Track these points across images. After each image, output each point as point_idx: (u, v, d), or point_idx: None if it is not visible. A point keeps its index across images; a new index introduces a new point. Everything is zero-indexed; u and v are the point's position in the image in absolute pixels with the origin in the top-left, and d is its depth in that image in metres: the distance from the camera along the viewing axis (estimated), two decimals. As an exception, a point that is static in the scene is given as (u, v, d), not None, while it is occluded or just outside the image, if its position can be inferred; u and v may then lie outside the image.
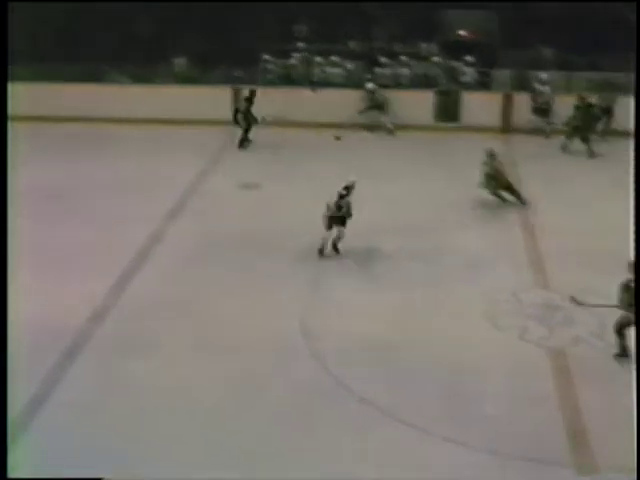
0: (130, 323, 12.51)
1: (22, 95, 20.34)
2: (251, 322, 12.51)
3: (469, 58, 22.92)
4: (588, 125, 20.22)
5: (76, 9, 23.18)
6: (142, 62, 23.52)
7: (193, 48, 23.89)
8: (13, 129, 20.69)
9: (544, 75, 22.03)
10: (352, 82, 22.81)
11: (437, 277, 13.90)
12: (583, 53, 22.49)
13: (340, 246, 14.80)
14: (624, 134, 19.88)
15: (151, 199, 17.23)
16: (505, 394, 10.85)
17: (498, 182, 17.05)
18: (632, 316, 10.93)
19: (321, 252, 14.63)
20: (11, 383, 10.27)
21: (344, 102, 21.87)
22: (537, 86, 21.84)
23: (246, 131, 20.95)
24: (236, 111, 21.25)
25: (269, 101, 21.26)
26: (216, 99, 22.24)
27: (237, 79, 23.00)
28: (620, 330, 11.38)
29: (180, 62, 23.84)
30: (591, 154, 19.98)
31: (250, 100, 20.97)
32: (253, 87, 21.47)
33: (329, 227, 14.57)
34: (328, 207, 14.52)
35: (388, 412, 10.41)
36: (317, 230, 14.77)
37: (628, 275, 11.02)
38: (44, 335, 11.87)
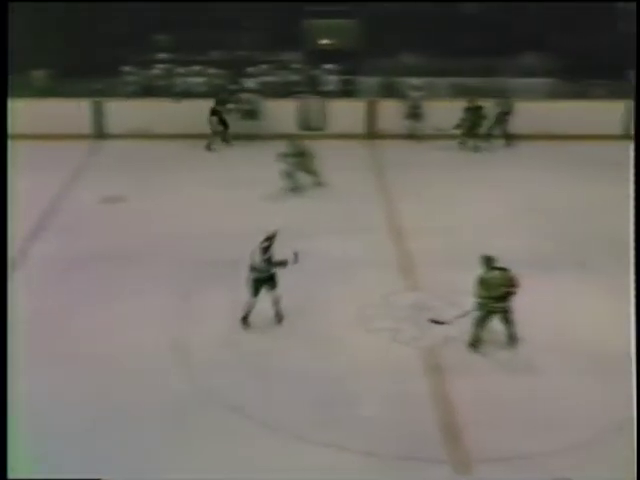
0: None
1: None
2: (118, 335, 12.24)
3: (331, 66, 23.09)
4: (476, 125, 21.14)
5: None
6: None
7: (52, 60, 23.29)
8: None
9: (415, 81, 22.41)
10: (215, 91, 22.65)
11: (307, 282, 13.86)
12: (446, 58, 23.06)
13: (207, 255, 14.66)
14: (516, 137, 21.07)
15: (11, 218, 16.58)
16: (380, 396, 10.91)
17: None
18: (491, 307, 11.47)
19: (245, 321, 12.40)
20: None
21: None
22: (409, 92, 22.17)
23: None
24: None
25: (131, 113, 20.94)
26: (76, 112, 21.72)
27: (98, 91, 22.49)
28: (480, 323, 11.69)
29: (38, 74, 23.14)
30: (476, 149, 20.97)
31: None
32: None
33: (255, 293, 12.35)
34: (252, 267, 12.25)
35: (261, 420, 10.31)
36: (183, 242, 14.79)
37: (481, 269, 11.47)
38: None
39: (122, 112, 21.22)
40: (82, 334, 12.37)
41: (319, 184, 18.22)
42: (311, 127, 22.15)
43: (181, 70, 23.24)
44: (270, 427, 10.21)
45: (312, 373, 11.34)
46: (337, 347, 11.95)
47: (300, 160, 18.01)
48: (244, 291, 12.86)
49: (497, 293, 11.46)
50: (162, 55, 23.44)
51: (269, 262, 12.10)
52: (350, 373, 11.30)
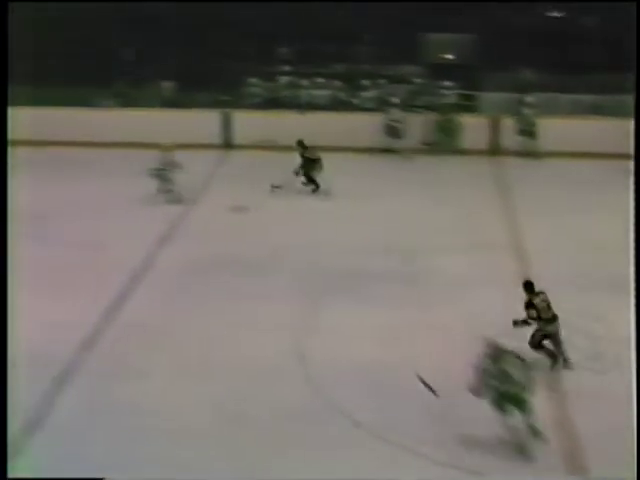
0: (121, 348, 12.49)
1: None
2: (243, 345, 12.52)
3: (450, 81, 23.03)
4: None
5: (59, 32, 23.16)
6: (128, 85, 23.60)
7: (179, 71, 23.98)
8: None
9: (529, 98, 22.20)
10: (337, 104, 22.91)
11: (425, 298, 13.92)
12: (566, 74, 22.78)
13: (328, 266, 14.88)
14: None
15: (141, 223, 17.24)
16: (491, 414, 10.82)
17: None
18: (545, 327, 11.56)
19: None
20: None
21: (331, 124, 21.96)
22: (522, 109, 21.98)
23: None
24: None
25: (256, 124, 21.40)
26: (203, 122, 22.31)
27: (223, 102, 23.01)
28: (538, 344, 11.70)
29: (167, 85, 23.85)
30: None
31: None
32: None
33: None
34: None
35: (381, 435, 10.37)
36: (308, 251, 15.17)
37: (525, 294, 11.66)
38: (35, 360, 11.83)
39: (248, 123, 21.65)
40: (205, 340, 12.72)
41: None
42: (429, 142, 22.13)
43: (305, 82, 23.47)
44: (390, 442, 10.27)
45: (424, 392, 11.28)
46: (454, 364, 11.88)
47: None
48: (367, 302, 13.05)
49: (547, 316, 11.56)
50: (286, 67, 23.74)
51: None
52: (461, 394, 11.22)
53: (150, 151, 19.75)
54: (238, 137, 22.54)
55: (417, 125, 22.12)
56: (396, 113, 21.87)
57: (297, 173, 19.07)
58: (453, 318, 13.18)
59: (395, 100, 22.75)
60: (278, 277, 14.81)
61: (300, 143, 19.39)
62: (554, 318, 11.70)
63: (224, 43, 24.10)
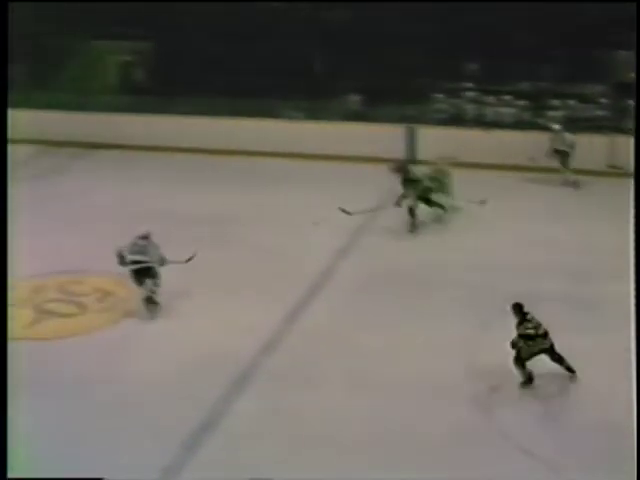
0: (297, 356, 12.99)
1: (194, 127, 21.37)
2: (414, 361, 12.75)
3: (640, 100, 22.40)
4: None
5: (250, 44, 24.12)
6: (314, 98, 24.27)
7: (366, 85, 24.44)
8: (200, 160, 21.91)
9: None
10: (522, 123, 22.77)
11: (598, 326, 13.75)
12: None
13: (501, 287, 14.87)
14: None
15: (322, 234, 17.81)
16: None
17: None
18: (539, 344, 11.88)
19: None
20: (180, 406, 11.00)
21: (517, 143, 21.84)
22: None
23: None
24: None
25: (440, 140, 21.59)
26: (388, 137, 22.72)
27: (408, 117, 23.31)
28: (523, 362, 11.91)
29: (353, 99, 24.38)
30: None
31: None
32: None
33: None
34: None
35: (553, 467, 10.34)
36: (478, 268, 15.30)
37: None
38: (215, 362, 12.51)
39: (432, 139, 21.85)
40: (377, 354, 12.99)
41: None
42: (615, 165, 21.58)
43: (490, 100, 23.42)
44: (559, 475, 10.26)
45: (603, 422, 11.19)
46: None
47: None
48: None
49: (541, 332, 11.80)
50: (471, 84, 23.76)
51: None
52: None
53: (333, 163, 20.30)
54: (422, 152, 22.74)
55: (602, 146, 21.66)
56: (568, 136, 21.42)
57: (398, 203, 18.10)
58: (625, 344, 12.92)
59: (579, 119, 22.41)
60: (447, 296, 14.93)
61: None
62: (546, 334, 11.98)
63: (411, 58, 24.41)
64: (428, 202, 18.37)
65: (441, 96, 23.70)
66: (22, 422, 10.18)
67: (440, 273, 15.83)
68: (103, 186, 21.13)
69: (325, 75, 24.69)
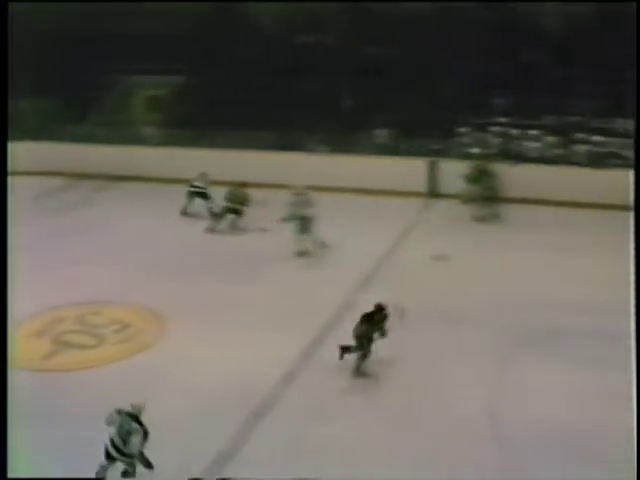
0: (316, 388, 12.91)
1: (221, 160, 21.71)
2: (437, 397, 12.60)
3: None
4: None
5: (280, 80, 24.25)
6: (343, 132, 24.37)
7: (393, 118, 24.49)
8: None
9: None
10: (549, 158, 22.67)
11: (624, 361, 13.47)
12: None
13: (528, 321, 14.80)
14: None
15: (343, 267, 17.76)
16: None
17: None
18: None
19: None
20: (200, 437, 10.93)
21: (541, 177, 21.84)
22: None
23: None
24: None
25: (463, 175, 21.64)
26: (412, 170, 22.71)
27: (435, 151, 23.28)
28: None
29: (381, 133, 24.41)
30: None
31: None
32: None
33: None
34: None
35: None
36: (506, 302, 15.19)
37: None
38: (236, 392, 12.44)
39: (455, 173, 21.83)
40: (397, 389, 12.91)
41: None
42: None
43: (516, 133, 23.32)
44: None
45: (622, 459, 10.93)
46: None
47: None
48: (559, 361, 13.07)
49: None
50: (498, 118, 23.68)
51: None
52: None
53: (357, 196, 20.31)
54: (444, 186, 22.71)
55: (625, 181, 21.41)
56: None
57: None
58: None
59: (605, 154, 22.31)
60: (472, 330, 14.78)
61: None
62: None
63: (439, 92, 24.46)
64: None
65: (467, 130, 23.54)
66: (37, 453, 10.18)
67: (463, 307, 15.67)
68: (126, 218, 21.23)
69: (354, 109, 24.79)
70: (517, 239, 19.30)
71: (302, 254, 18.49)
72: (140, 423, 10.25)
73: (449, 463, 10.97)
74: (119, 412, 10.31)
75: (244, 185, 20.66)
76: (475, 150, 23.13)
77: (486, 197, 21.77)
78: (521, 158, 22.75)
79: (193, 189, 21.62)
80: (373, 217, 21.19)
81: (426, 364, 13.62)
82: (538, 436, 11.51)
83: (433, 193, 22.92)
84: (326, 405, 12.43)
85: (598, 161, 22.13)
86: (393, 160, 23.33)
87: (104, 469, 10.46)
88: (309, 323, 14.98)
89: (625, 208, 20.31)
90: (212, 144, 24.64)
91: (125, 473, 10.53)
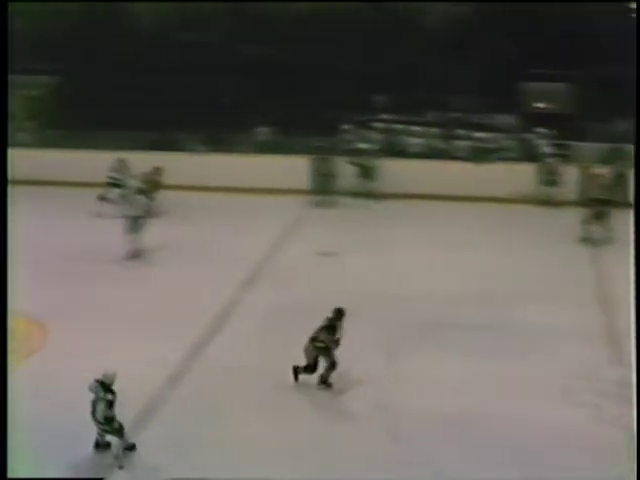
0: (201, 389, 12.67)
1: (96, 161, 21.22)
2: (324, 392, 12.52)
3: (546, 130, 22.73)
4: None
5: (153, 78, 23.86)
6: (224, 131, 24.14)
7: (275, 117, 24.42)
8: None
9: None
10: (432, 152, 22.95)
11: (511, 350, 13.77)
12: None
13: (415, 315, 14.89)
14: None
15: (227, 266, 17.55)
16: (580, 473, 10.62)
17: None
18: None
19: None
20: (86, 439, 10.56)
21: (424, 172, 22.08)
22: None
23: None
24: None
25: (347, 170, 21.72)
26: (294, 168, 22.65)
27: (318, 149, 23.28)
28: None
29: (262, 131, 24.26)
30: None
31: None
32: None
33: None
34: None
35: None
36: (394, 297, 15.31)
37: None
38: (121, 395, 12.08)
39: (339, 170, 21.95)
40: (282, 384, 12.73)
41: None
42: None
43: (399, 130, 23.49)
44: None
45: (512, 443, 11.19)
46: (540, 418, 11.74)
47: None
48: (446, 353, 13.08)
49: None
50: (380, 115, 23.82)
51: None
52: (549, 447, 11.05)
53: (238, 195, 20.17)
54: (328, 183, 22.76)
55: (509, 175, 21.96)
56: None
57: None
58: (535, 369, 13.01)
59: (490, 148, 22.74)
60: (361, 325, 14.71)
61: None
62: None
63: (322, 91, 24.52)
64: None
65: (350, 127, 23.60)
66: None
67: (351, 303, 15.60)
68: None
69: (233, 107, 24.60)
70: (402, 234, 19.45)
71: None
72: (110, 391, 10.45)
73: (343, 458, 10.90)
74: (96, 381, 10.51)
75: (158, 171, 20.66)
76: (359, 147, 23.12)
77: (370, 193, 21.98)
78: (404, 154, 22.92)
79: (110, 180, 21.53)
80: (256, 216, 21.05)
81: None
82: (430, 426, 11.58)
83: (317, 190, 22.92)
84: (212, 405, 12.19)
85: (479, 156, 22.48)
86: (275, 158, 23.24)
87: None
88: (194, 324, 14.71)
89: (506, 201, 21.03)
90: (89, 145, 23.96)
91: (96, 444, 10.74)
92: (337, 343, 12.53)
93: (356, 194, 22.15)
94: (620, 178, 20.96)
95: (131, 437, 11.04)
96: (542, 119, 23.32)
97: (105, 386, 10.50)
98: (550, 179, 21.60)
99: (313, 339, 12.46)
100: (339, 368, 12.76)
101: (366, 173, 22.01)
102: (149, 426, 11.65)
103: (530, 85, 24.13)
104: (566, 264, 17.80)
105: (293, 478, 10.49)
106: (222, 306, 15.56)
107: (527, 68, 23.84)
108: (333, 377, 12.64)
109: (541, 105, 24.09)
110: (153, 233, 18.86)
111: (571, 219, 20.35)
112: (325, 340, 12.44)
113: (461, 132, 23.26)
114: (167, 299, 15.83)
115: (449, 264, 17.62)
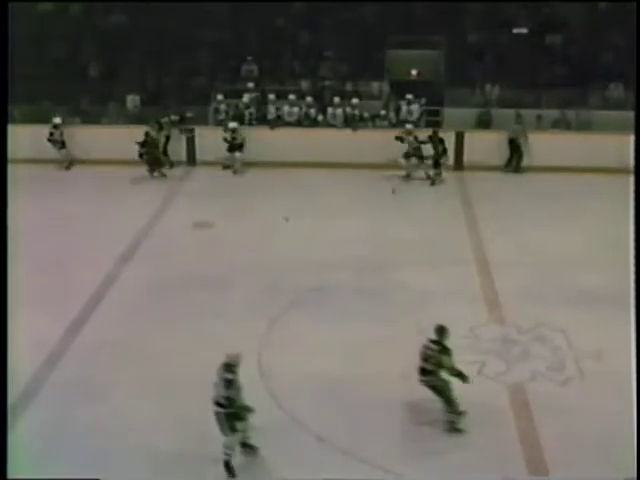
0: (82, 367, 12.38)
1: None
2: (204, 361, 12.31)
3: (415, 97, 22.93)
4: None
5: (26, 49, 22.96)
6: (93, 101, 23.49)
7: (145, 88, 23.91)
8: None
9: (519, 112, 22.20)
10: (307, 121, 22.90)
11: (390, 313, 13.93)
12: (529, 90, 22.98)
13: (293, 282, 14.91)
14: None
15: (103, 241, 17.16)
16: (463, 430, 10.85)
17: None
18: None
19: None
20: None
21: (299, 140, 22.10)
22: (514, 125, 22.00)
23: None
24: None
25: (221, 141, 21.48)
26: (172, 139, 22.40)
27: (189, 119, 22.89)
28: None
29: (133, 99, 23.67)
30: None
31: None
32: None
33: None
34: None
35: (346, 450, 10.41)
36: (270, 265, 15.36)
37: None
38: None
39: (212, 140, 21.66)
40: (167, 357, 12.62)
41: None
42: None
43: (273, 99, 23.30)
44: (352, 456, 10.30)
45: (395, 403, 11.37)
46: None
47: None
48: (325, 318, 13.30)
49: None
50: (251, 84, 23.58)
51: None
52: (434, 404, 11.20)
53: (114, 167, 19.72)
54: (202, 153, 22.49)
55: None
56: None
57: None
58: (415, 331, 13.15)
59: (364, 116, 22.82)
60: (240, 294, 14.73)
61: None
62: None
63: (191, 61, 24.14)
64: None
65: (221, 97, 23.27)
66: None
67: (227, 272, 15.54)
68: None
69: (103, 78, 23.96)
70: (279, 203, 19.34)
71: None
72: (232, 372, 10.07)
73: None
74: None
75: None
76: (231, 116, 22.87)
77: (246, 162, 21.79)
78: (278, 123, 22.76)
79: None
80: (131, 188, 20.64)
81: (192, 330, 13.42)
82: (312, 389, 11.67)
83: (191, 161, 22.61)
84: (90, 385, 11.93)
85: (353, 123, 22.54)
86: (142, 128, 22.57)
87: None
88: (72, 300, 14.34)
89: (378, 167, 21.19)
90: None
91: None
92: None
93: (231, 165, 21.90)
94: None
95: (11, 420, 10.69)
96: (410, 86, 23.47)
97: (229, 367, 10.12)
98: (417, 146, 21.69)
99: None
100: (218, 335, 12.75)
101: (236, 143, 21.75)
102: (29, 407, 11.36)
103: (399, 53, 24.33)
104: (442, 228, 18.08)
105: (178, 452, 10.41)
106: (100, 281, 15.18)
107: (395, 36, 24.08)
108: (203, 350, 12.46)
109: (409, 72, 24.29)
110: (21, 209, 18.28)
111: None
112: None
113: (334, 100, 23.15)
114: (42, 275, 15.23)
115: (324, 231, 17.66)
